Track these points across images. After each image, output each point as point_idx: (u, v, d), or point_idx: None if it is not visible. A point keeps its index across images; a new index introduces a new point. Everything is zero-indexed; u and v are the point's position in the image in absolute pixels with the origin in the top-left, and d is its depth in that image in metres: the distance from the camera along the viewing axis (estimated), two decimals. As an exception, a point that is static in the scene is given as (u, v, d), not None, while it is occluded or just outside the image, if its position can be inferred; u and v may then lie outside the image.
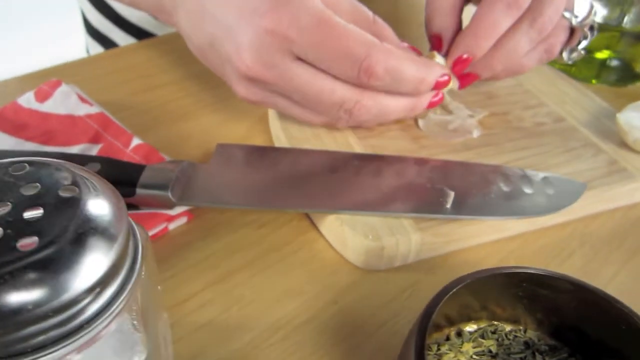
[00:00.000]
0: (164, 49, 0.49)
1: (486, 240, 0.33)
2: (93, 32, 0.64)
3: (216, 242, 0.32)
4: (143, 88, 0.44)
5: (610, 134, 0.39)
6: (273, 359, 0.27)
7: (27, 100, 0.38)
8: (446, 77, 0.32)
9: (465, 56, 0.36)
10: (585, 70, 0.50)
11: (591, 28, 0.39)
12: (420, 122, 0.38)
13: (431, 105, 0.35)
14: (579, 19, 0.38)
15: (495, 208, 0.32)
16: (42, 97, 0.38)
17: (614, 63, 0.49)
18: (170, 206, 0.31)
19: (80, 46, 0.69)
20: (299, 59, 0.31)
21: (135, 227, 0.21)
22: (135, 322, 0.18)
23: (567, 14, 0.38)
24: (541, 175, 0.34)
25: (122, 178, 0.31)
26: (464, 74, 0.38)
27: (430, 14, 0.38)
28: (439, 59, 0.33)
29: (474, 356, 0.25)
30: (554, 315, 0.26)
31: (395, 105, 0.32)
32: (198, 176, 0.32)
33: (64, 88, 0.39)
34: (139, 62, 0.48)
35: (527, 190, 0.33)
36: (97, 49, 0.64)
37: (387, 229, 0.30)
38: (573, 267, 0.33)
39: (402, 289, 0.30)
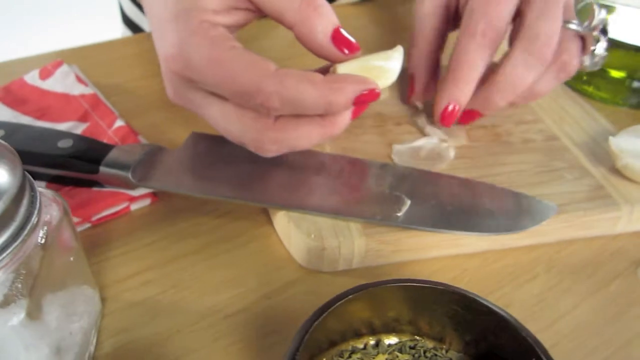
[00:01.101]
0: None
1: (442, 254, 0.32)
2: (128, 21, 0.67)
3: (172, 226, 0.33)
4: (145, 74, 0.46)
5: (604, 157, 0.37)
6: (191, 344, 0.27)
7: (32, 77, 0.41)
8: (369, 90, 0.28)
9: (450, 107, 0.35)
10: (605, 92, 0.47)
11: (603, 30, 0.36)
12: (394, 151, 0.37)
13: (360, 111, 0.32)
14: (586, 25, 0.35)
15: (449, 222, 0.31)
16: (44, 75, 0.41)
17: (635, 85, 0.45)
18: (132, 187, 0.33)
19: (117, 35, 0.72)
20: (213, 93, 0.29)
21: (49, 195, 0.22)
22: (19, 286, 0.19)
23: (571, 25, 0.35)
24: (510, 192, 0.33)
25: (90, 155, 0.32)
26: (464, 112, 0.37)
27: (409, 53, 0.38)
28: (341, 69, 0.30)
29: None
30: (480, 339, 0.25)
31: (307, 134, 0.29)
32: (163, 161, 0.33)
33: (64, 68, 0.41)
34: (147, 49, 0.50)
35: (490, 206, 0.32)
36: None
37: (332, 230, 0.30)
38: (529, 293, 0.31)
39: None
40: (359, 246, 0.30)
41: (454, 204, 0.32)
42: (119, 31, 0.71)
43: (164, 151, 0.34)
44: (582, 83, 0.47)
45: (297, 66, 0.29)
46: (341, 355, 0.25)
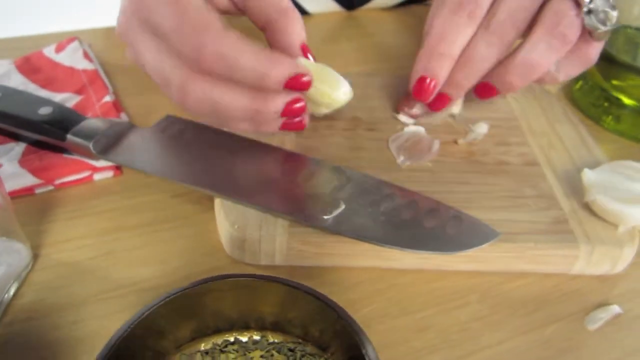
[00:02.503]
0: None
1: (370, 264, 0.31)
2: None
3: (128, 199, 0.35)
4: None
5: (580, 191, 0.33)
6: (98, 311, 0.29)
7: (49, 50, 0.45)
8: (305, 79, 0.29)
9: (427, 82, 0.34)
10: (625, 125, 0.43)
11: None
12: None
13: (288, 127, 0.33)
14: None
15: (375, 232, 0.30)
16: (59, 49, 0.45)
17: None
18: (95, 157, 0.35)
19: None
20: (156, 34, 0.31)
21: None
22: None
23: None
24: (453, 212, 0.31)
25: (61, 124, 0.35)
26: (480, 85, 0.36)
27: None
28: (304, 62, 0.31)
29: (257, 363, 0.25)
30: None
31: (231, 99, 0.30)
32: (128, 137, 0.35)
33: (75, 44, 0.44)
34: None
35: (427, 224, 0.30)
36: None
37: (258, 223, 0.30)
38: (454, 320, 0.29)
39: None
40: (281, 243, 0.30)
41: (389, 215, 0.31)
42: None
43: (133, 129, 0.36)
44: (600, 111, 0.44)
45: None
46: (222, 345, 0.25)
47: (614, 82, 0.43)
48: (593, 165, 0.35)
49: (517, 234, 0.31)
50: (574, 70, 0.36)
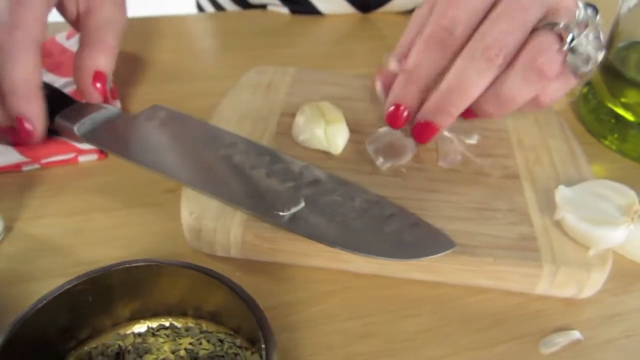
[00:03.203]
0: (226, 23, 0.55)
1: (326, 265, 0.31)
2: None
3: (106, 182, 0.36)
4: (174, 48, 0.50)
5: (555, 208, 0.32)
6: (50, 287, 0.29)
7: (61, 37, 0.47)
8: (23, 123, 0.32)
9: (396, 109, 0.33)
10: (632, 145, 0.40)
11: (591, 29, 0.31)
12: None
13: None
14: (565, 25, 0.31)
15: (329, 233, 0.29)
16: (69, 36, 0.47)
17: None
18: (79, 140, 0.36)
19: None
20: None
21: None
22: None
23: (555, 27, 0.31)
24: (413, 219, 0.30)
25: (54, 105, 0.37)
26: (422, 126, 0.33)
27: None
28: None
29: (184, 350, 0.25)
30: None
31: None
32: (113, 123, 0.37)
33: (84, 32, 0.46)
34: (194, 28, 0.54)
35: (384, 229, 0.30)
36: (208, 7, 0.71)
37: (217, 214, 0.31)
38: (401, 329, 0.28)
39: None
40: (235, 235, 0.30)
41: (347, 217, 0.30)
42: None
43: (119, 115, 0.37)
44: (605, 129, 0.41)
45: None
46: (156, 329, 0.26)
47: (622, 99, 0.41)
48: (577, 183, 0.33)
49: (477, 247, 0.30)
50: (555, 95, 0.33)
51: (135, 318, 0.26)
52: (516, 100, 0.31)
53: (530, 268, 0.29)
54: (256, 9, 0.61)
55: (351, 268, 0.31)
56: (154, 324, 0.26)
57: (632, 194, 0.29)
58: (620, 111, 0.41)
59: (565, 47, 0.30)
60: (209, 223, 0.30)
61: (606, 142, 0.41)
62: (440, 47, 0.31)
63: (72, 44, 0.46)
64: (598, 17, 0.31)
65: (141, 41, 0.51)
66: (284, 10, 0.59)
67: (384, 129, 0.36)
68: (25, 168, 0.36)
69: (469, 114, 0.33)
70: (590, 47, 0.31)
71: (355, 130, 0.37)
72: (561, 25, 0.30)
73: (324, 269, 0.31)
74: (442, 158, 0.35)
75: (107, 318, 0.25)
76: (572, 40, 0.30)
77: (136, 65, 0.48)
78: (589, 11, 0.31)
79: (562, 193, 0.30)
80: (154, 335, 0.25)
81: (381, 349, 0.28)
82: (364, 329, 0.29)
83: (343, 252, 0.29)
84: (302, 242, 0.30)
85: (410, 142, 0.35)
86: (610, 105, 0.42)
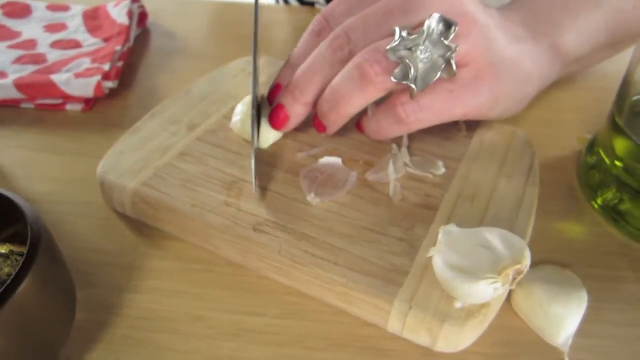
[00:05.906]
0: (292, 18, 0.58)
1: (201, 244, 0.31)
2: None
3: (69, 131, 0.40)
4: (198, 35, 0.54)
5: (456, 251, 0.28)
6: None
7: (111, 5, 0.53)
8: None
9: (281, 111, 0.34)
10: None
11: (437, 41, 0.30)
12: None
13: None
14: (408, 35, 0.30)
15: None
16: (116, 4, 0.52)
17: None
18: (66, 90, 0.41)
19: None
20: None
21: None
22: None
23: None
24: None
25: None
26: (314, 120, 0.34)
27: None
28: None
29: None
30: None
31: None
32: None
33: (126, 2, 0.51)
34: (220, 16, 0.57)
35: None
36: None
37: (122, 172, 0.33)
38: (233, 321, 0.28)
39: (99, 227, 0.33)
40: (127, 194, 0.32)
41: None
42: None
43: None
44: (597, 188, 0.35)
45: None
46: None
47: (617, 163, 0.35)
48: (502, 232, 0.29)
49: (338, 265, 0.28)
50: (384, 122, 0.32)
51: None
52: (345, 98, 0.31)
53: (380, 300, 0.26)
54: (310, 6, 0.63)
55: (223, 254, 0.31)
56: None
57: (523, 254, 0.25)
58: (619, 174, 0.35)
59: (386, 48, 0.30)
60: (111, 178, 0.32)
61: (595, 205, 0.35)
62: (316, 35, 0.33)
63: (114, 11, 0.51)
64: (449, 39, 0.30)
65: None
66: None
67: (325, 159, 0.34)
68: (23, 105, 0.42)
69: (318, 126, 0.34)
70: (421, 64, 0.30)
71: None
72: (397, 31, 0.29)
73: (201, 248, 0.31)
74: (374, 171, 0.33)
75: None
76: (398, 46, 0.29)
77: (153, 55, 0.52)
78: (440, 29, 0.29)
79: (447, 231, 0.27)
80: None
81: (207, 332, 0.27)
82: (196, 313, 0.28)
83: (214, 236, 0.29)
84: (181, 215, 0.31)
85: (352, 176, 0.33)
86: (608, 164, 0.35)
